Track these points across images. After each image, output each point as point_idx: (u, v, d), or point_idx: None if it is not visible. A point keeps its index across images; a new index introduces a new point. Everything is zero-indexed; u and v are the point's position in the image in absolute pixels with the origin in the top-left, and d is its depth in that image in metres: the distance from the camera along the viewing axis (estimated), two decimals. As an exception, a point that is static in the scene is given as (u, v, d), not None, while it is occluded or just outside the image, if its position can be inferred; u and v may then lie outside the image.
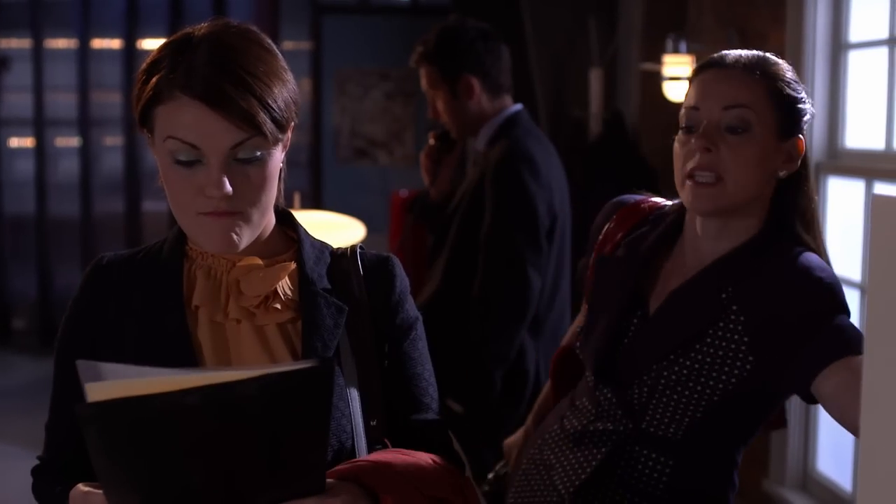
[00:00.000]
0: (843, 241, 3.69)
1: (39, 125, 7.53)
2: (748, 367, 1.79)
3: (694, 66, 4.71)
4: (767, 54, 1.85)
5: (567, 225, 3.10)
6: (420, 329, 1.59)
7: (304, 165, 7.24)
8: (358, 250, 1.57)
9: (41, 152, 7.56)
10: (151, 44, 7.39)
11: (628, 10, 5.77)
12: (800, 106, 1.84)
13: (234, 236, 1.45)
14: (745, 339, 1.78)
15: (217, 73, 1.39)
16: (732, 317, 1.80)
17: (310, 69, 7.15)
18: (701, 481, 1.89)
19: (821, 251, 1.83)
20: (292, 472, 1.26)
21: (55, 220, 7.60)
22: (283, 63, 1.47)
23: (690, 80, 1.86)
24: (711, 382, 1.81)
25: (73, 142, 7.58)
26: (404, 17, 7.21)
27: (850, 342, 1.69)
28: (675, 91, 4.74)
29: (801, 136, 1.84)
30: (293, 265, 1.53)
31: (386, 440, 1.51)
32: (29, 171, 7.59)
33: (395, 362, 1.55)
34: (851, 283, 3.54)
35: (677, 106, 1.88)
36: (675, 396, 1.84)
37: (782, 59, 1.86)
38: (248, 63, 1.41)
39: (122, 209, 7.48)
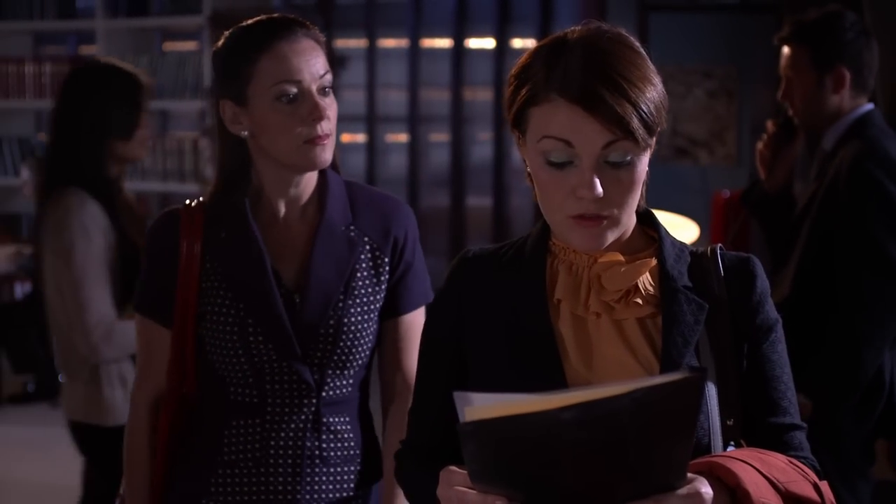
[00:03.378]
0: None
1: (371, 121, 7.89)
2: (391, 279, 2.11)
3: None
4: None
5: None
6: (780, 331, 1.57)
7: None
8: (718, 250, 1.58)
9: (372, 148, 7.92)
10: (477, 43, 7.60)
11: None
12: None
13: (601, 237, 1.49)
14: (381, 254, 2.10)
15: (592, 76, 1.43)
16: (367, 246, 2.09)
17: (634, 67, 7.10)
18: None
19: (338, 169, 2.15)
20: (657, 470, 1.30)
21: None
22: (653, 68, 1.49)
23: None
24: (379, 304, 2.10)
25: (402, 138, 7.90)
26: (731, 15, 7.06)
27: (409, 300, 2.11)
28: None
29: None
30: (654, 262, 1.55)
31: (742, 440, 1.51)
32: (360, 166, 7.97)
33: (754, 363, 1.54)
34: None
35: None
36: (358, 341, 2.07)
37: None
38: (622, 67, 1.44)
39: (447, 203, 7.73)
